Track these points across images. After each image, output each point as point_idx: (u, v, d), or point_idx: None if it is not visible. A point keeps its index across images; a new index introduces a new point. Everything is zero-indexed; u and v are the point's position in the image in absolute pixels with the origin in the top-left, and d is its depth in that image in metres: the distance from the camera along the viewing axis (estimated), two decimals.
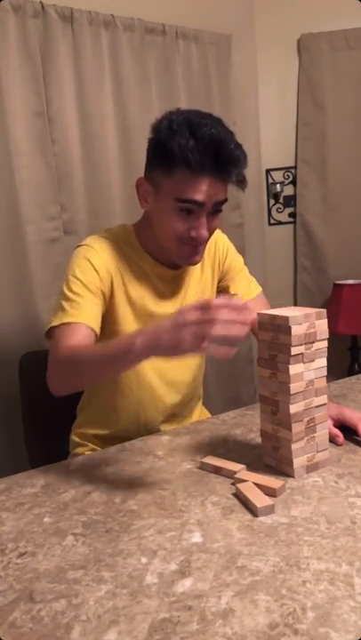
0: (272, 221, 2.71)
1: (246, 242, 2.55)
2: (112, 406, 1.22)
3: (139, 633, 0.56)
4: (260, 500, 0.78)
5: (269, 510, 0.77)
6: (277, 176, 2.66)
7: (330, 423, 0.98)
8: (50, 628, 0.58)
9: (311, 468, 0.89)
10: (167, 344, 0.76)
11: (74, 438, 1.27)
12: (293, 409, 0.86)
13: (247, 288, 1.28)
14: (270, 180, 2.66)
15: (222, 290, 1.28)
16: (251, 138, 2.57)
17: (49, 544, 0.74)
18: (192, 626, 0.56)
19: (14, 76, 1.77)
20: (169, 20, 2.15)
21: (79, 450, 1.23)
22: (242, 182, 1.01)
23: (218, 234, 1.28)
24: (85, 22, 1.90)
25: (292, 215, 2.69)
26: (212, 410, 1.41)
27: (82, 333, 1.00)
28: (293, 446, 0.87)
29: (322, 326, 0.87)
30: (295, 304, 2.73)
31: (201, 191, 0.98)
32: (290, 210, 2.69)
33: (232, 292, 1.27)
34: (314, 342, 0.86)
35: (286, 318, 0.83)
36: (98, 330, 1.04)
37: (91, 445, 1.23)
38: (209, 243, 1.22)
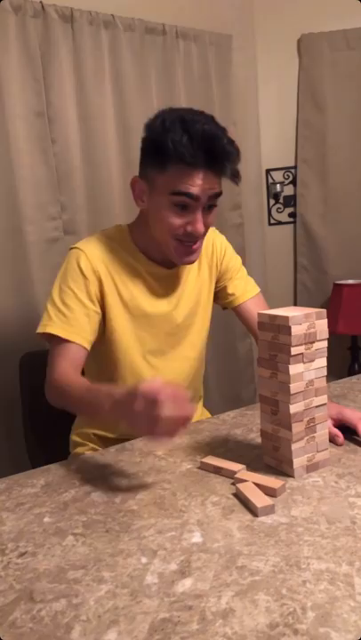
0: (272, 221, 2.71)
1: (246, 242, 2.56)
2: None
3: (139, 633, 0.56)
4: (260, 499, 0.78)
5: (269, 510, 0.77)
6: (277, 176, 2.66)
7: (330, 423, 0.98)
8: (50, 628, 0.58)
9: (311, 468, 0.89)
10: (127, 422, 0.82)
11: (74, 438, 1.27)
12: (293, 409, 0.86)
13: (245, 288, 1.29)
14: (270, 180, 2.66)
15: (220, 290, 1.28)
16: (251, 138, 2.57)
17: (49, 544, 0.74)
18: (192, 626, 0.56)
19: (14, 76, 1.77)
20: (169, 20, 2.15)
21: (79, 449, 1.23)
22: (236, 176, 1.02)
23: (215, 234, 1.28)
24: (85, 22, 1.90)
25: (292, 215, 2.69)
26: (212, 410, 1.41)
27: (74, 354, 1.07)
28: (293, 446, 0.87)
29: (322, 326, 0.87)
30: (295, 304, 2.73)
31: (195, 184, 0.99)
32: (290, 210, 2.69)
33: (229, 292, 1.27)
34: (314, 342, 0.86)
35: (286, 318, 0.83)
36: (90, 344, 1.09)
37: (91, 445, 1.23)
38: (206, 243, 1.23)
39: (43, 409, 1.18)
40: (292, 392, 0.85)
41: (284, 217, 2.70)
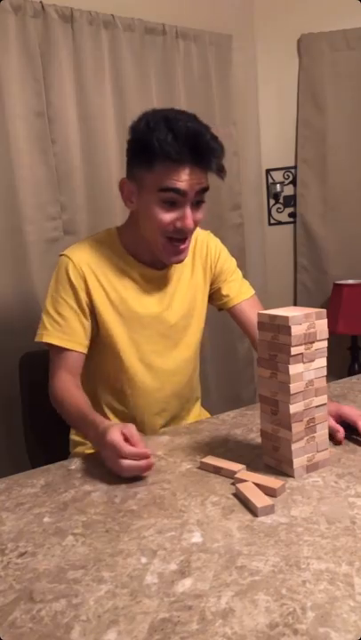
0: (272, 221, 2.71)
1: (246, 242, 2.55)
2: (109, 408, 1.22)
3: (139, 633, 0.56)
4: (260, 499, 0.78)
5: (269, 510, 0.77)
6: (277, 176, 2.66)
7: (330, 419, 0.98)
8: (50, 628, 0.58)
9: (311, 467, 0.89)
10: (103, 458, 0.93)
11: (74, 438, 1.27)
12: (293, 409, 0.86)
13: (239, 290, 1.29)
14: (270, 180, 2.66)
15: (215, 291, 1.29)
16: (251, 138, 2.57)
17: (49, 544, 0.74)
18: (192, 626, 0.56)
19: (14, 76, 1.77)
20: (169, 20, 2.15)
21: (79, 449, 1.24)
22: (221, 171, 1.05)
23: (210, 237, 1.30)
24: (85, 22, 1.90)
25: (292, 215, 2.69)
26: (212, 410, 1.41)
27: (72, 362, 1.13)
28: (293, 446, 0.87)
29: (322, 326, 0.87)
30: (295, 304, 2.73)
31: (182, 180, 1.01)
32: (290, 210, 2.69)
33: (224, 294, 1.28)
34: (314, 342, 0.86)
35: (286, 318, 0.83)
36: (86, 348, 1.15)
37: (91, 444, 1.23)
38: (200, 245, 1.26)
39: (43, 408, 1.19)
40: (292, 392, 0.85)
41: (284, 217, 2.70)
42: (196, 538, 0.73)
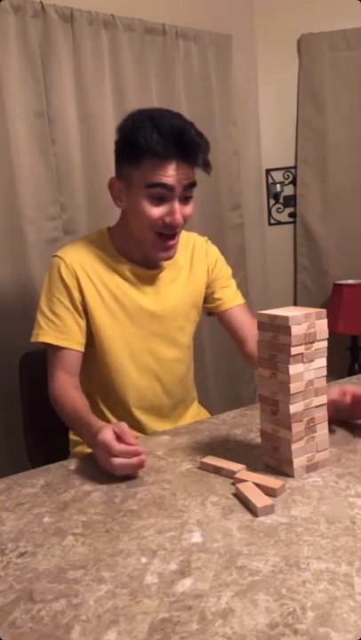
0: (272, 221, 2.71)
1: (246, 242, 2.56)
2: (107, 408, 1.23)
3: (139, 633, 0.56)
4: (260, 499, 0.78)
5: (269, 510, 0.77)
6: (277, 176, 2.66)
7: (333, 393, 0.99)
8: (50, 628, 0.58)
9: (311, 467, 0.89)
10: (96, 458, 0.93)
11: (73, 438, 1.27)
12: (293, 409, 0.86)
13: (233, 296, 1.33)
14: (270, 180, 2.66)
15: (208, 295, 1.32)
16: (251, 138, 2.57)
17: (49, 544, 0.74)
18: (192, 626, 0.56)
19: (14, 76, 1.77)
20: (169, 20, 2.15)
21: (79, 449, 1.24)
22: (207, 166, 1.07)
23: (208, 244, 1.33)
24: (85, 22, 1.90)
25: (292, 215, 2.69)
26: (212, 410, 1.42)
27: (70, 360, 1.14)
28: (293, 446, 0.87)
29: (322, 326, 0.87)
30: (295, 304, 2.73)
31: (169, 175, 1.04)
32: (290, 210, 2.69)
33: (216, 297, 1.31)
34: (314, 342, 0.86)
35: (286, 318, 0.83)
36: (83, 346, 1.16)
37: None
38: (199, 249, 1.29)
39: (43, 408, 1.19)
40: (291, 392, 0.85)
41: (284, 217, 2.70)
42: (196, 538, 0.73)
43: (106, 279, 1.16)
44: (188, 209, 1.10)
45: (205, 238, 1.34)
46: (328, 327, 0.88)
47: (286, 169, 2.65)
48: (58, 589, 0.64)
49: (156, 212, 1.07)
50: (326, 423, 0.91)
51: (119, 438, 0.89)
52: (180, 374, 1.28)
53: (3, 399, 1.79)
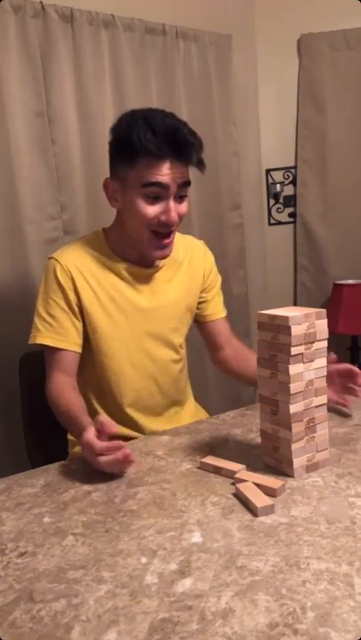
0: (272, 221, 2.71)
1: (246, 242, 2.55)
2: (101, 406, 1.23)
3: (139, 633, 0.56)
4: (260, 499, 0.78)
5: (269, 510, 0.77)
6: (277, 176, 2.66)
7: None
8: (50, 628, 0.58)
9: (311, 467, 0.89)
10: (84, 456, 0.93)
11: (72, 438, 1.27)
12: (293, 409, 0.86)
13: (222, 309, 1.36)
14: (270, 180, 2.66)
15: (200, 302, 1.32)
16: (251, 138, 2.57)
17: (49, 544, 0.74)
18: (192, 626, 0.57)
19: (14, 76, 1.77)
20: (169, 20, 2.15)
21: (78, 449, 1.24)
22: (201, 164, 1.08)
23: (206, 249, 1.33)
24: (85, 22, 1.90)
25: (292, 215, 2.69)
26: (212, 410, 1.41)
27: (67, 361, 1.15)
28: (293, 446, 0.87)
29: (322, 326, 0.87)
30: (295, 304, 2.73)
31: (164, 174, 1.04)
32: (290, 210, 2.69)
33: (207, 307, 1.33)
34: (314, 342, 0.86)
35: (286, 318, 0.83)
36: (80, 347, 1.17)
37: None
38: (198, 253, 1.29)
39: (42, 408, 1.19)
40: (291, 392, 0.85)
41: (284, 217, 2.70)
42: (196, 538, 0.73)
43: (102, 279, 1.16)
44: (183, 207, 1.11)
45: (203, 242, 1.34)
46: (328, 327, 0.88)
47: (286, 169, 2.65)
48: (58, 589, 0.64)
49: (152, 210, 1.07)
50: (326, 423, 0.91)
51: (101, 434, 0.89)
52: (174, 374, 1.28)
53: (3, 399, 1.79)
